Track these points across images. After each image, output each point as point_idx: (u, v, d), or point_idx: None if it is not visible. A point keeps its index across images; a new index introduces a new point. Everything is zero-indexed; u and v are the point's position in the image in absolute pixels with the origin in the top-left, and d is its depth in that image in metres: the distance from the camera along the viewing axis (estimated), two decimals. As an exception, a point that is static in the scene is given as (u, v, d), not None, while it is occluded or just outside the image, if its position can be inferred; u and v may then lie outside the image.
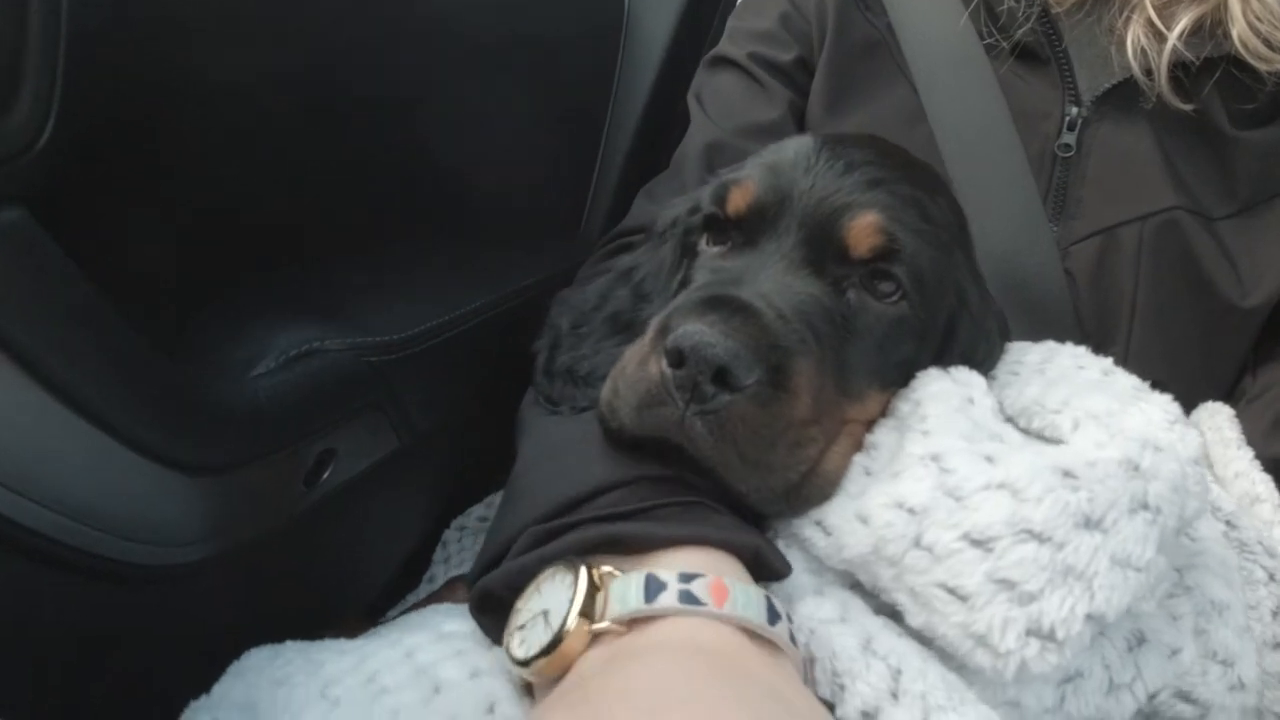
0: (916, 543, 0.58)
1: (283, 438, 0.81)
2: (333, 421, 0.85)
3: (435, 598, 0.95)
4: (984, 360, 0.75)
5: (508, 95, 1.09)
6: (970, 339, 0.74)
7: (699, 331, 0.59)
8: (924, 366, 0.71)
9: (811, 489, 0.64)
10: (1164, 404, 0.66)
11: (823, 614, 0.59)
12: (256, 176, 0.90)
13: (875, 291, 0.69)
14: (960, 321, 0.74)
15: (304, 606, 0.92)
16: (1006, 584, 0.55)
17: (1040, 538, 0.55)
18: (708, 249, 0.76)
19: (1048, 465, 0.57)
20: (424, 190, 1.01)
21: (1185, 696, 0.61)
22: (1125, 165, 0.97)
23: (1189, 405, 0.97)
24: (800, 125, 1.12)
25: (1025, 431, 0.68)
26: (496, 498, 1.09)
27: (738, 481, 0.62)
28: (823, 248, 0.68)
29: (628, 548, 0.59)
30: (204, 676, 0.77)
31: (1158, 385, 0.96)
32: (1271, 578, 0.69)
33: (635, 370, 0.64)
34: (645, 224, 1.00)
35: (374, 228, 0.95)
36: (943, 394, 0.66)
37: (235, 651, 0.82)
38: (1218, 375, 0.98)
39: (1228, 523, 0.71)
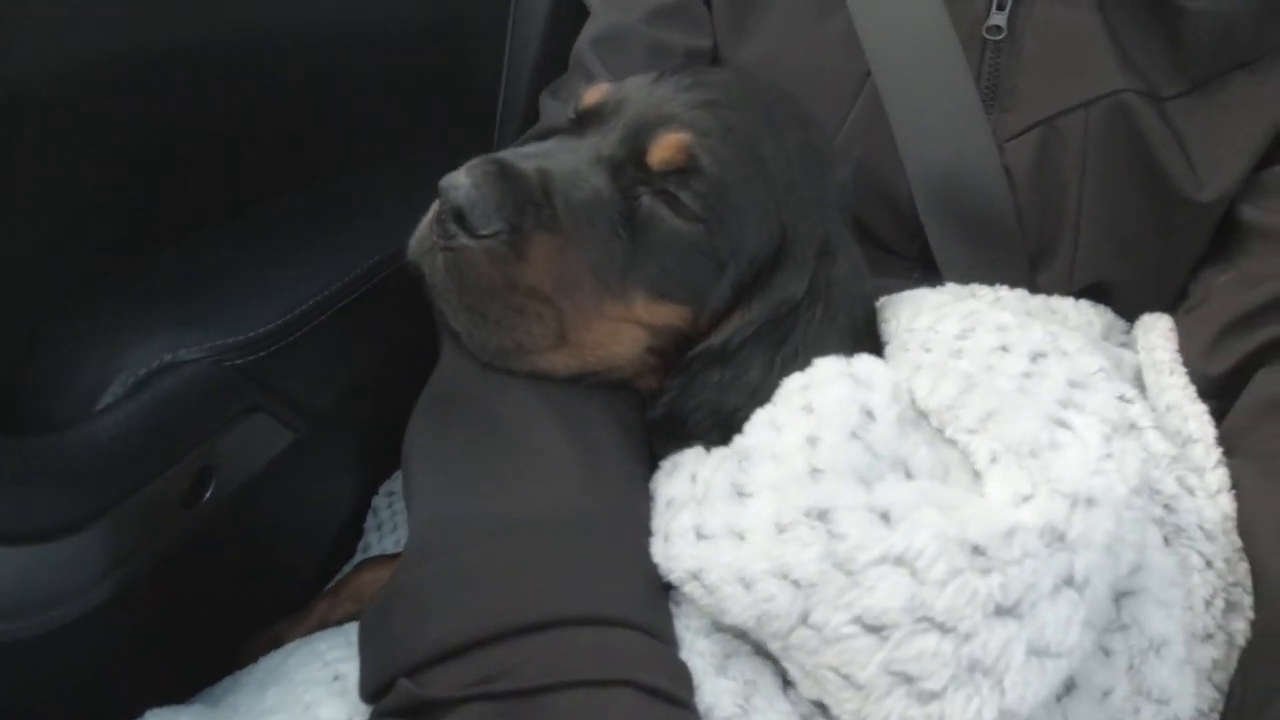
0: (804, 620, 0.50)
1: (143, 474, 0.73)
2: (202, 439, 0.77)
3: (345, 585, 0.91)
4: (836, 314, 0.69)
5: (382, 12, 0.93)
6: (809, 289, 0.69)
7: (455, 177, 0.64)
8: (725, 295, 0.69)
9: (550, 360, 0.67)
10: (1104, 408, 0.55)
11: (722, 708, 0.53)
12: (65, 159, 0.78)
13: (671, 204, 0.68)
14: (786, 261, 0.69)
15: (228, 616, 0.88)
16: (904, 678, 0.48)
17: (943, 628, 0.47)
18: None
19: (955, 539, 0.48)
20: (285, 141, 0.87)
21: None
22: (1064, 46, 0.83)
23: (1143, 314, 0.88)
24: (709, 7, 0.99)
25: (940, 433, 0.59)
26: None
27: (455, 320, 0.66)
28: (631, 150, 0.69)
29: None
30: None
31: (1106, 289, 0.86)
32: (1208, 564, 0.61)
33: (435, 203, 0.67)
34: (557, 125, 0.90)
35: (226, 198, 0.83)
36: (838, 407, 0.56)
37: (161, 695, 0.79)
38: (1174, 278, 0.87)
39: (1166, 507, 0.62)
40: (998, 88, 0.85)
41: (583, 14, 1.03)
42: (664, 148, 0.67)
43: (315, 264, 0.87)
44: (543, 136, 0.95)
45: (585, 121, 0.75)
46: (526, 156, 0.68)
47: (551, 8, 1.12)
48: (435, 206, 0.66)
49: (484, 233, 0.63)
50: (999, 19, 0.84)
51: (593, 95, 0.75)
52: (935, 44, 0.85)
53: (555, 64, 1.07)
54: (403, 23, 1.00)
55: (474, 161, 0.66)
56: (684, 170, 0.67)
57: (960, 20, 0.85)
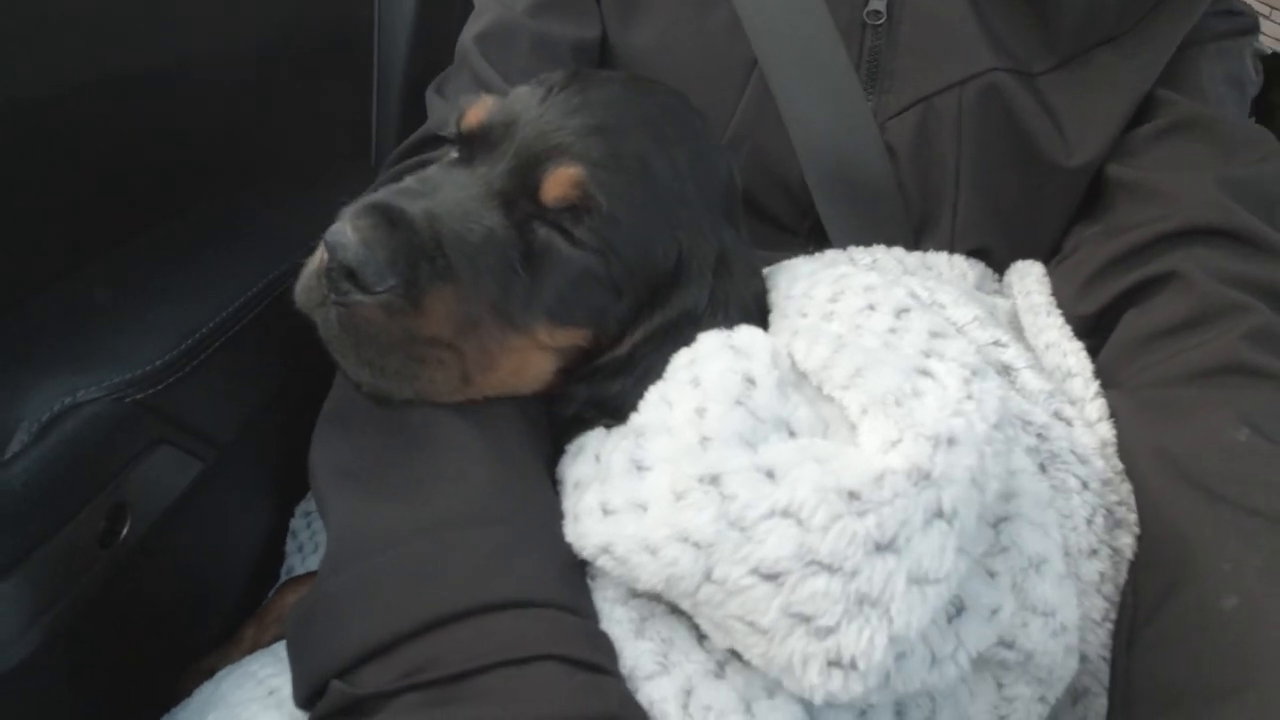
0: (708, 577, 0.54)
1: (57, 518, 0.73)
2: (111, 477, 0.77)
3: (270, 609, 0.92)
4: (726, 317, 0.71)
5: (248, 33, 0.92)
6: (709, 301, 0.71)
7: (341, 232, 0.61)
8: (625, 315, 0.70)
9: (454, 400, 0.67)
10: (963, 354, 0.60)
11: (643, 667, 0.56)
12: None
13: (566, 234, 0.68)
14: (685, 278, 0.71)
15: (161, 653, 0.88)
16: (802, 618, 0.52)
17: (830, 569, 0.51)
18: (449, 157, 0.75)
19: (832, 487, 0.52)
20: (161, 169, 0.87)
21: (1008, 644, 0.60)
22: (937, 29, 0.88)
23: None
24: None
25: (819, 391, 0.63)
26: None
27: (354, 373, 0.65)
28: (523, 184, 0.68)
29: None
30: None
31: (985, 254, 0.92)
32: (1085, 485, 0.67)
33: (319, 251, 0.65)
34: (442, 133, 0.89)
35: (104, 233, 0.82)
36: (721, 378, 0.60)
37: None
38: (1047, 240, 0.93)
39: (1039, 435, 0.68)
40: (878, 70, 0.90)
41: (449, 20, 1.04)
42: (557, 184, 0.67)
43: (204, 290, 0.87)
44: (427, 141, 0.97)
45: (471, 144, 0.73)
46: (413, 196, 0.67)
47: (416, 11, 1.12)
48: (320, 255, 0.64)
49: (378, 289, 0.61)
50: (878, 4, 0.89)
51: (476, 113, 0.73)
52: (815, 30, 0.89)
53: (428, 67, 1.07)
54: (269, 42, 1.00)
55: (358, 209, 0.63)
56: (577, 206, 0.67)
57: (841, 6, 0.90)
